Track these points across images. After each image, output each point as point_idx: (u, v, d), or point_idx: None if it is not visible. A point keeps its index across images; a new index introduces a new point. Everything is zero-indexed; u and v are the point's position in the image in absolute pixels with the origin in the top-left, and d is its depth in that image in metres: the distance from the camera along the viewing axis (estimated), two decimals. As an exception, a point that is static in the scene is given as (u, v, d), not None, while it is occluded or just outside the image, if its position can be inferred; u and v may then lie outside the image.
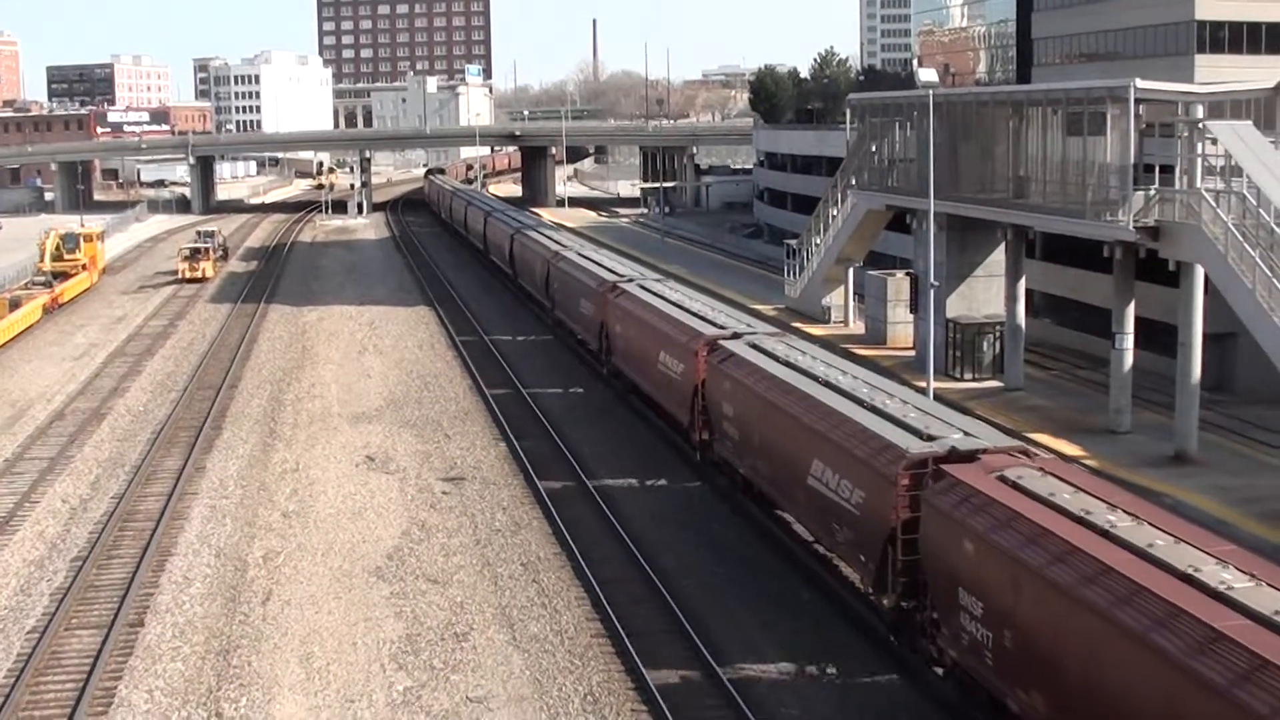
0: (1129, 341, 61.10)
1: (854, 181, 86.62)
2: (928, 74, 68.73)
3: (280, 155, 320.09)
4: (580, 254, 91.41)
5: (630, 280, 75.73)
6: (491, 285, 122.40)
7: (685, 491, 57.21)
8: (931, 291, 66.21)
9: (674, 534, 51.58)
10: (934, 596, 35.92)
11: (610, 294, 73.81)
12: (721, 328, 59.61)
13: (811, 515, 44.87)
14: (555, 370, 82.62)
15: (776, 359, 52.15)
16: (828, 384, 47.10)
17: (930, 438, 39.21)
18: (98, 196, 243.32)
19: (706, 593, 45.22)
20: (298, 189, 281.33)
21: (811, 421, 44.10)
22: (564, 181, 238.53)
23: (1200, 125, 57.34)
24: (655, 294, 70.20)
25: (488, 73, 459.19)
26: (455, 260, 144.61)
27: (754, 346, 54.61)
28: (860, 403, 43.95)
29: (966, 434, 39.97)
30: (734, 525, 52.42)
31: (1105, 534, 31.00)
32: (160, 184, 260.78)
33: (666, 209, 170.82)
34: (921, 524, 36.36)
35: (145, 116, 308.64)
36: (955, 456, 37.52)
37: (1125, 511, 32.70)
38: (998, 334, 72.16)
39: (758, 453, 49.82)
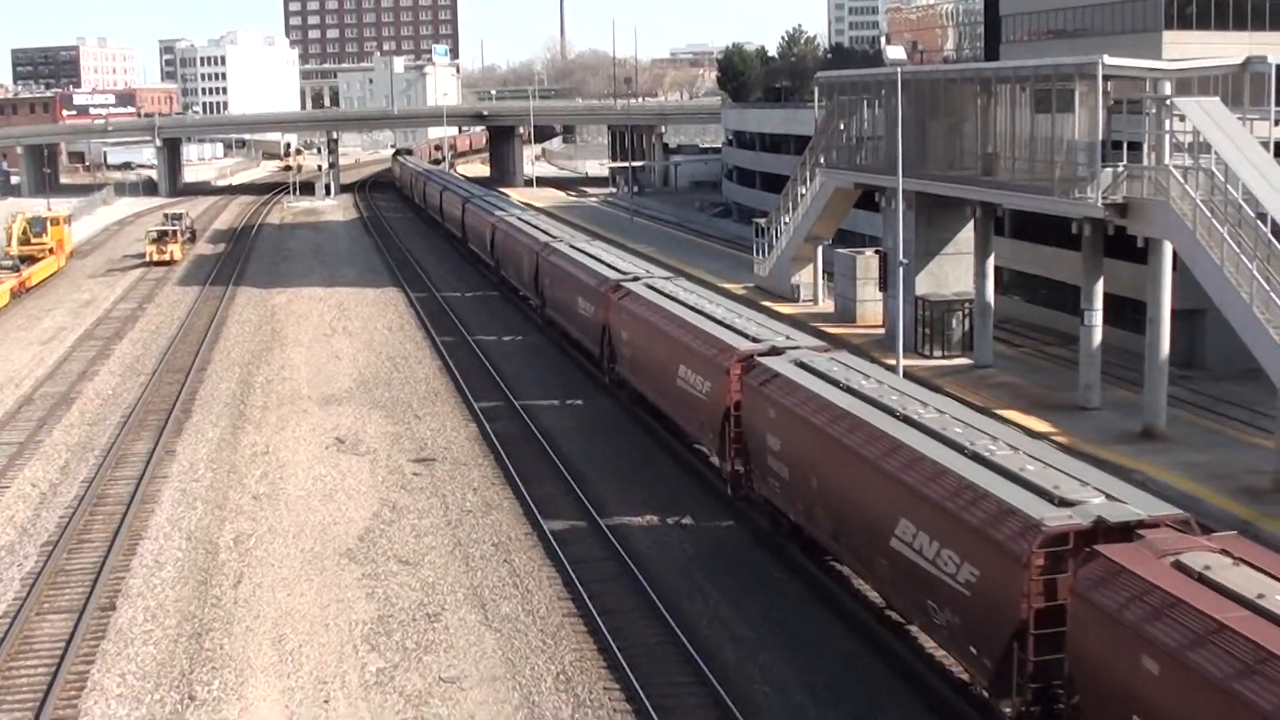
0: (1098, 318, 61.23)
1: (822, 160, 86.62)
2: (896, 52, 69.01)
3: (247, 137, 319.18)
4: (574, 246, 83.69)
5: (636, 279, 68.37)
6: (466, 274, 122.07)
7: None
8: (900, 269, 66.28)
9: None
10: None
11: (614, 294, 66.63)
12: (755, 340, 51.48)
13: (897, 587, 36.94)
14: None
15: (836, 384, 43.57)
16: (908, 420, 39.16)
17: (1065, 502, 31.49)
18: (64, 180, 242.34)
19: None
20: (265, 171, 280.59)
21: (896, 470, 36.39)
22: (532, 161, 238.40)
23: (1168, 102, 57.40)
24: (668, 295, 62.94)
25: (455, 53, 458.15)
26: (425, 244, 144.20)
27: (802, 366, 46.53)
28: (960, 449, 36.06)
29: (1109, 497, 31.92)
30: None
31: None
32: (127, 167, 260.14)
33: (635, 188, 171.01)
34: (1070, 622, 28.98)
35: (111, 99, 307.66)
36: (1106, 531, 30.25)
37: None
38: (967, 311, 72.27)
39: (817, 499, 41.73)
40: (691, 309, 58.93)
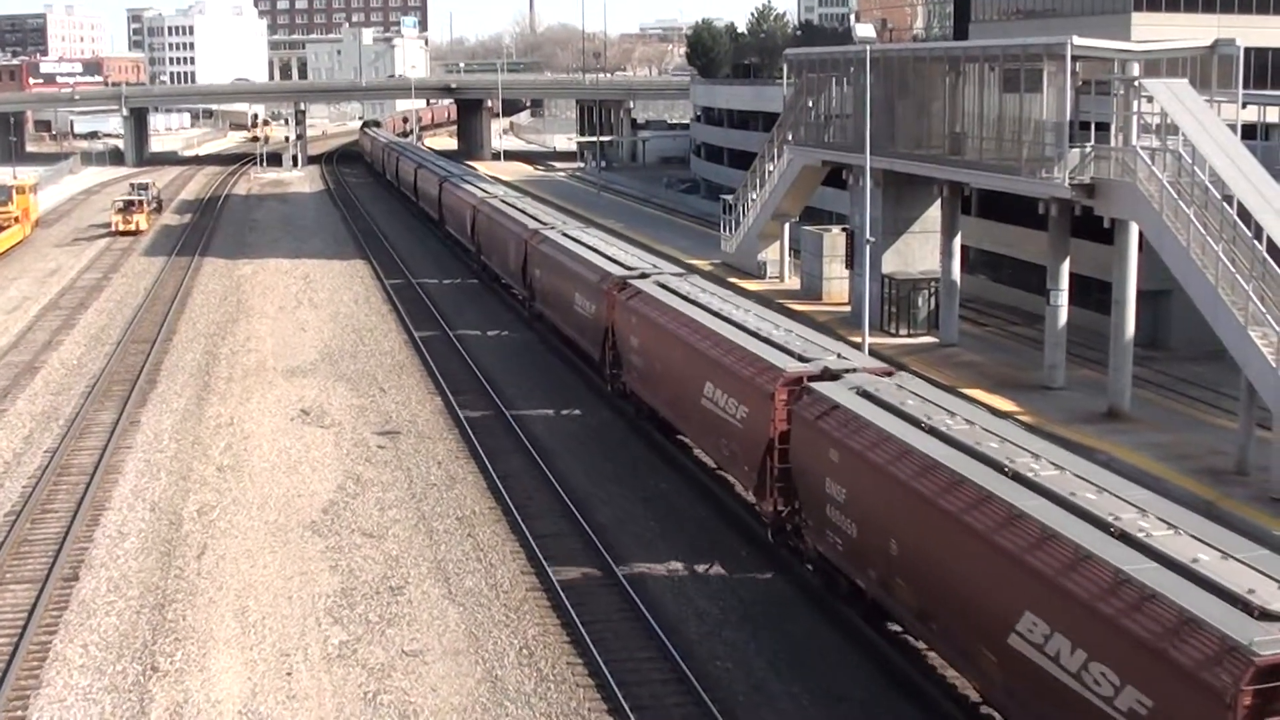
0: (1063, 298, 61.34)
1: (790, 137, 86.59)
2: (865, 29, 68.58)
3: (215, 107, 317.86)
4: (567, 235, 77.42)
5: (644, 276, 62.54)
6: (434, 249, 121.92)
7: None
8: (867, 247, 66.43)
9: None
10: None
11: (619, 293, 61.14)
12: (804, 359, 45.06)
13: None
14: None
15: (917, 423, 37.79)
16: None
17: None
18: (30, 148, 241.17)
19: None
20: (232, 141, 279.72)
21: None
22: (500, 135, 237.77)
23: (1136, 83, 57.51)
24: (684, 296, 57.15)
25: (424, 25, 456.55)
26: (391, 216, 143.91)
27: (865, 395, 40.40)
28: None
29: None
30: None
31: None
32: (94, 136, 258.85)
33: (603, 163, 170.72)
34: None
35: (78, 68, 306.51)
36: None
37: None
38: (933, 290, 72.36)
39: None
40: (718, 316, 52.65)
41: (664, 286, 59.12)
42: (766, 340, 47.66)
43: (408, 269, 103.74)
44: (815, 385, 41.40)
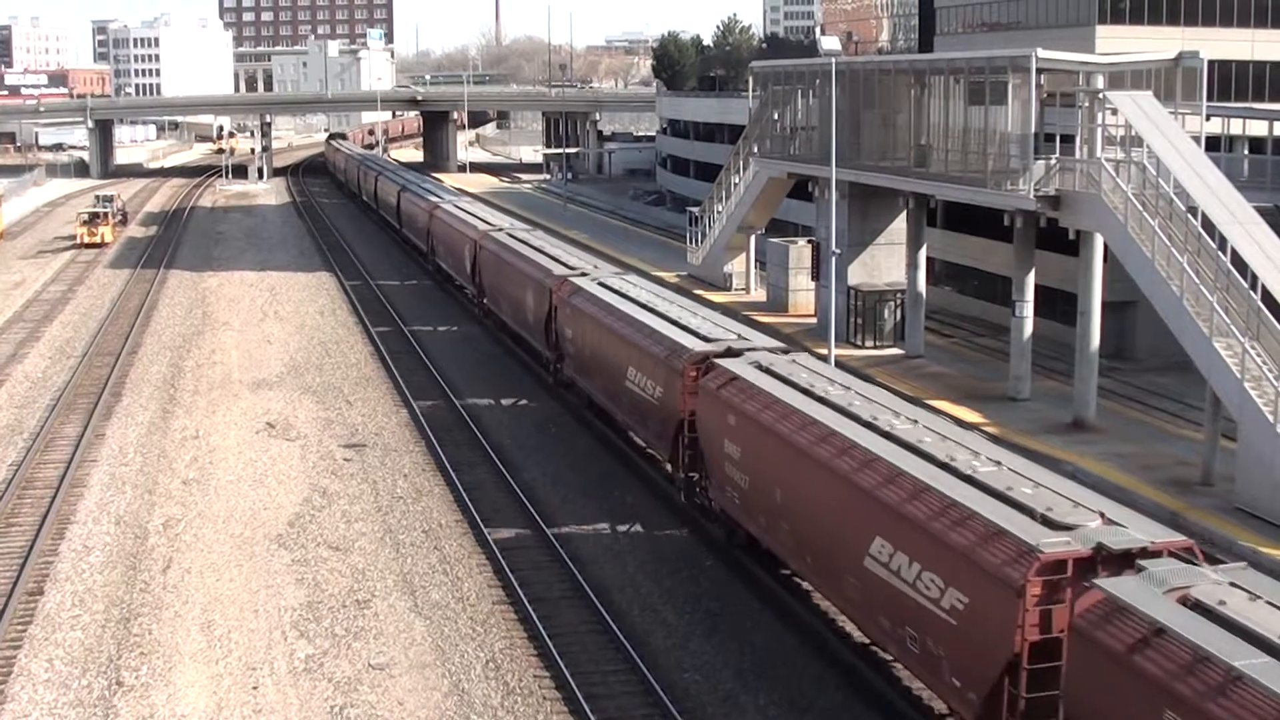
0: (1029, 309, 61.53)
1: (756, 149, 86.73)
2: (830, 42, 68.98)
3: (180, 119, 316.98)
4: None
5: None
6: (396, 258, 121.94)
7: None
8: (833, 259, 66.46)
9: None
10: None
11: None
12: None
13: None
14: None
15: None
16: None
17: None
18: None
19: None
20: (198, 153, 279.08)
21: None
22: (466, 147, 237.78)
23: (1101, 95, 57.72)
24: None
25: (390, 37, 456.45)
26: (356, 229, 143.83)
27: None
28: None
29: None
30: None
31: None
32: (59, 148, 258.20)
33: (569, 175, 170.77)
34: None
35: (43, 79, 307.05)
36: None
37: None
38: (899, 301, 72.53)
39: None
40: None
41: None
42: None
43: (372, 280, 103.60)
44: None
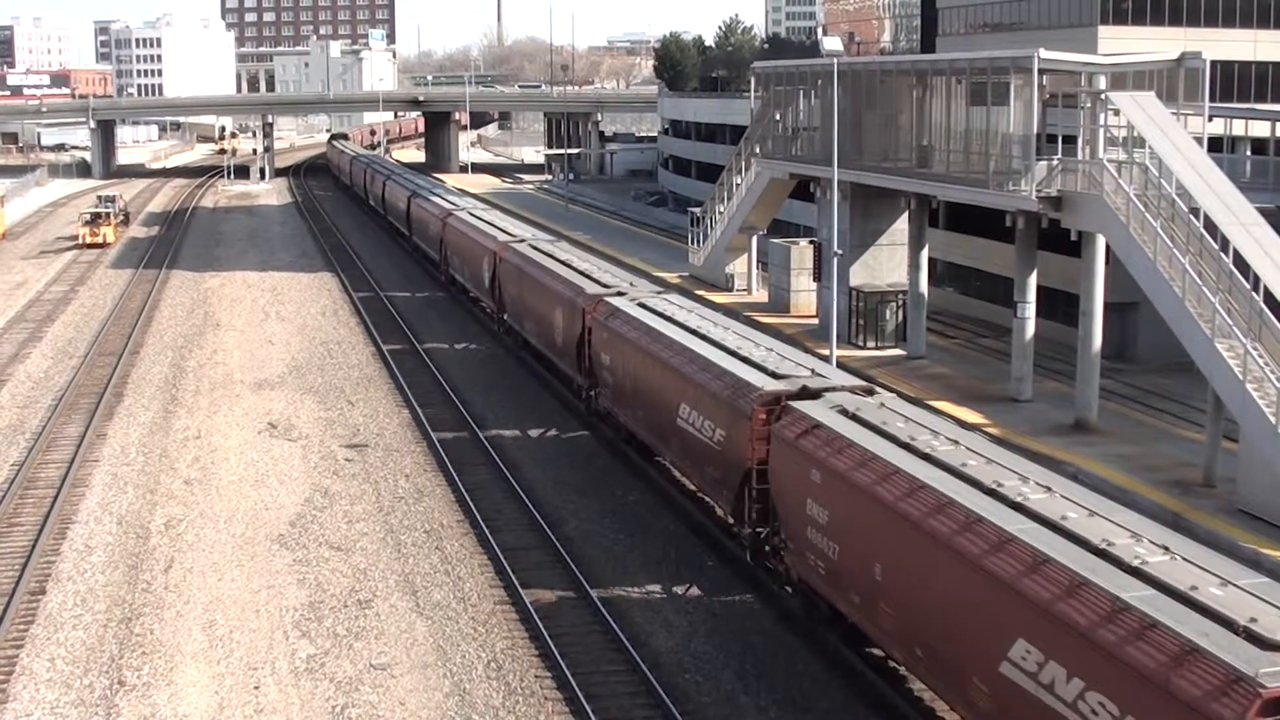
0: (1031, 310, 61.48)
1: (758, 150, 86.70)
2: (832, 42, 68.60)
3: (182, 120, 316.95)
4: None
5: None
6: (400, 261, 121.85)
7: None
8: (835, 260, 66.47)
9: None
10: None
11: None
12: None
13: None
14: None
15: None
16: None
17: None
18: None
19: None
20: (200, 154, 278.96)
21: None
22: (468, 147, 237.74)
23: (1103, 96, 57.69)
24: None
25: (391, 37, 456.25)
26: (359, 229, 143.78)
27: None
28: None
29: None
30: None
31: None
32: (61, 148, 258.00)
33: (571, 176, 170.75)
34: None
35: (46, 79, 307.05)
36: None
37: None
38: (900, 302, 72.49)
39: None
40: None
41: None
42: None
43: (375, 281, 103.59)
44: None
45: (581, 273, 66.29)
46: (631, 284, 63.62)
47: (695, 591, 43.02)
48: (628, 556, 46.13)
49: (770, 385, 42.20)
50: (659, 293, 61.33)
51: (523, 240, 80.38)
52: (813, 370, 44.51)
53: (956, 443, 35.79)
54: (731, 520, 44.79)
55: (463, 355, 78.61)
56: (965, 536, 29.79)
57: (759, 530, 41.71)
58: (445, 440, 59.46)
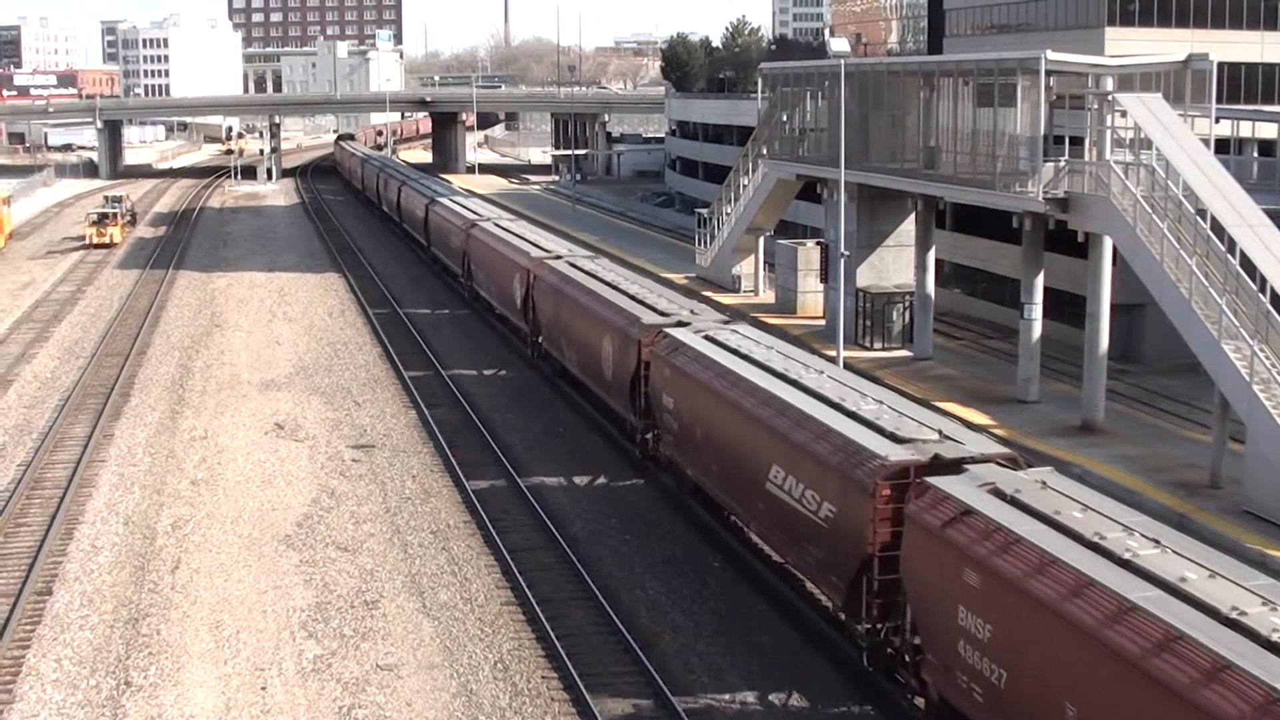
0: (1037, 311, 61.46)
1: (765, 151, 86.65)
2: (839, 43, 68.88)
3: (189, 120, 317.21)
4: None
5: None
6: (403, 256, 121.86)
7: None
8: (842, 261, 66.34)
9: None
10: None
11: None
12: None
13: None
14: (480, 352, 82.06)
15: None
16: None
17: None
18: (3, 160, 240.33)
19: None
20: (206, 154, 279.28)
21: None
22: (475, 148, 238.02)
23: (1110, 98, 57.65)
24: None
25: (398, 38, 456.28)
26: (366, 231, 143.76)
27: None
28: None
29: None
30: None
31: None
32: (68, 148, 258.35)
33: (578, 176, 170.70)
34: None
35: (52, 79, 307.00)
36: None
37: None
38: (907, 303, 72.46)
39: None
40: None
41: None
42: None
43: (383, 283, 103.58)
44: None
45: (632, 297, 59.82)
46: (692, 311, 56.81)
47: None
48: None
49: (895, 454, 35.18)
50: (725, 323, 54.96)
51: (559, 256, 73.67)
52: (940, 432, 37.21)
53: (1158, 542, 28.59)
54: (844, 615, 37.59)
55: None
56: (1213, 689, 23.16)
57: (879, 626, 35.28)
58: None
